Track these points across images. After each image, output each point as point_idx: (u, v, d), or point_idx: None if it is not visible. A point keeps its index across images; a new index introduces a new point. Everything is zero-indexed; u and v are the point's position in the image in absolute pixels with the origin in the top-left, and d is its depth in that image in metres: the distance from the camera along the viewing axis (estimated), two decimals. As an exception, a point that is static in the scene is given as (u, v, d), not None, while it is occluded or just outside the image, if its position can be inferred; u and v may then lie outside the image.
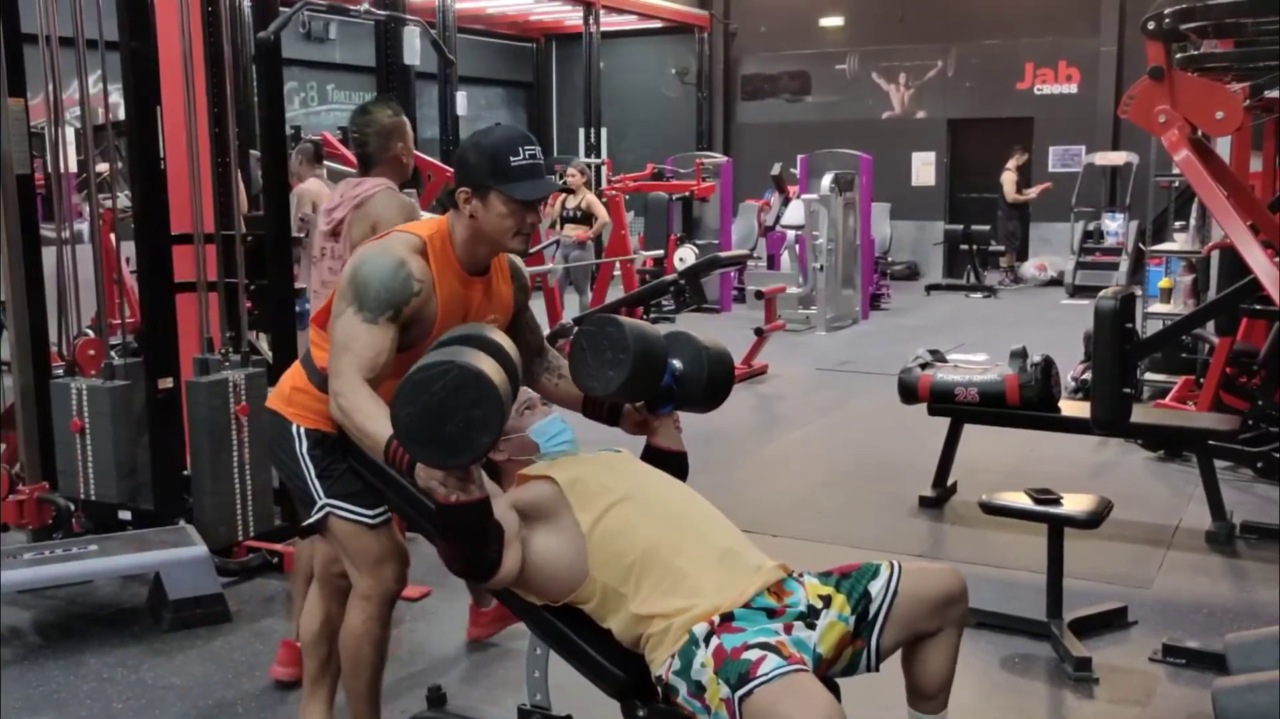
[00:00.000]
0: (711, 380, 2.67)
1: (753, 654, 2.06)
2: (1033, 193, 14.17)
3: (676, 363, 2.64)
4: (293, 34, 12.08)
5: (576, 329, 2.60)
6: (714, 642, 2.13)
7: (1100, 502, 3.66)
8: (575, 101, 15.82)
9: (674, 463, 2.68)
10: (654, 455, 2.68)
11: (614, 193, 11.11)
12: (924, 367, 5.21)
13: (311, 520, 2.65)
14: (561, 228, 9.84)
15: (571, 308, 9.73)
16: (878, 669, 2.29)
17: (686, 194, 12.52)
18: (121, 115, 4.73)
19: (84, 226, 5.49)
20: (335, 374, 2.41)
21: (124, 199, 5.91)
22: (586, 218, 9.84)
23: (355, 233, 3.39)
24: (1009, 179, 14.14)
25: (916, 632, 2.30)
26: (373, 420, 2.32)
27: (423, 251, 2.50)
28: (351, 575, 2.67)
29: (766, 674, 2.02)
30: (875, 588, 2.27)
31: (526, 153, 2.47)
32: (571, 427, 2.58)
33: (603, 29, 14.60)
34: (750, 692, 2.01)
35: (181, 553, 3.92)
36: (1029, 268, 14.49)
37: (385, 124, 3.53)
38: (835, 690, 2.27)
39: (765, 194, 12.78)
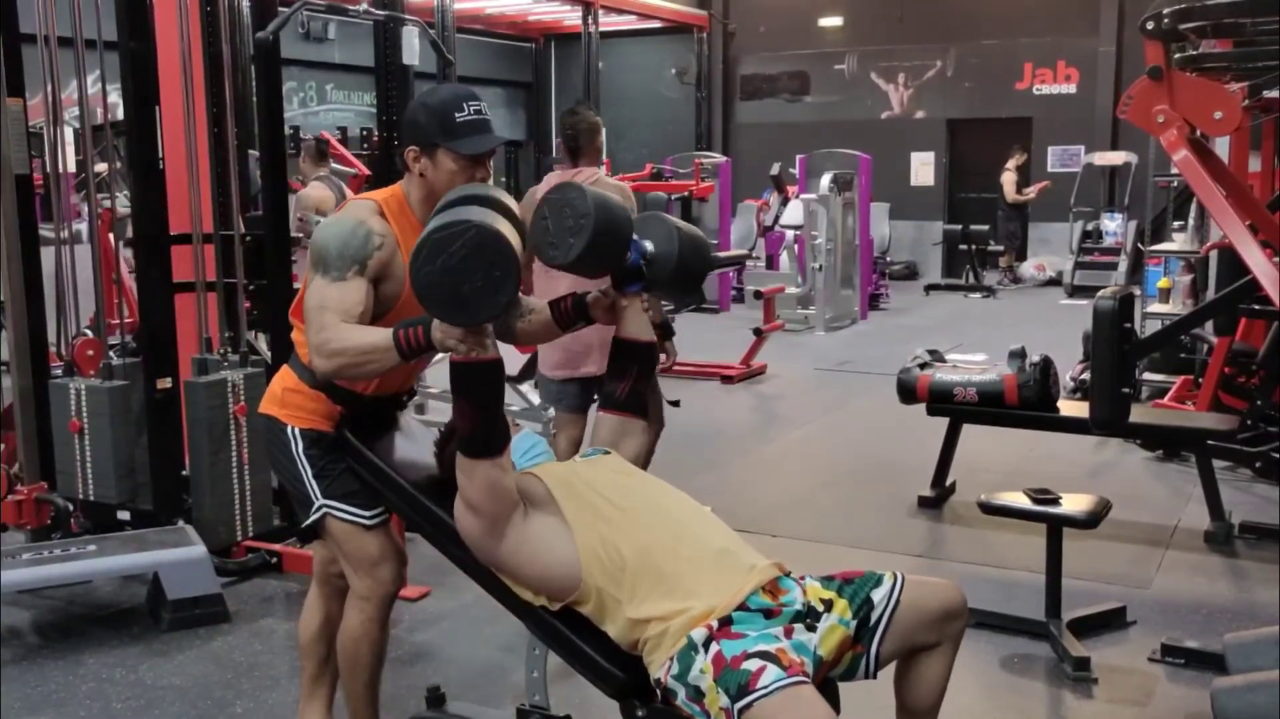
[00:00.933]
0: (683, 261, 2.60)
1: (753, 664, 2.05)
2: (1031, 192, 14.18)
3: (648, 244, 2.60)
4: (291, 34, 12.07)
5: (540, 198, 2.57)
6: (713, 648, 2.12)
7: (1099, 501, 3.66)
8: (574, 101, 15.80)
9: (642, 352, 2.66)
10: (622, 347, 2.66)
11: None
12: (923, 367, 5.21)
13: (309, 522, 2.65)
14: None
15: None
16: (875, 677, 2.29)
17: (685, 194, 12.50)
18: (120, 115, 4.74)
19: (83, 227, 5.49)
20: (318, 330, 2.42)
21: (122, 199, 5.91)
22: None
23: None
24: (1009, 179, 14.14)
25: (915, 643, 2.29)
26: (369, 334, 2.36)
27: (379, 213, 2.53)
28: (349, 576, 2.67)
29: (766, 687, 2.01)
30: (878, 596, 2.27)
31: (471, 108, 2.50)
32: (544, 440, 2.58)
33: (602, 29, 14.59)
34: (750, 704, 2.01)
35: (180, 553, 3.92)
36: (1028, 268, 14.49)
37: (592, 123, 4.27)
38: (835, 692, 2.26)
39: (764, 194, 12.77)
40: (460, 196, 2.35)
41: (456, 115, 2.49)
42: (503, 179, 16.80)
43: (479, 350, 2.23)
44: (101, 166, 5.86)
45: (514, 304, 2.26)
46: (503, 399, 2.35)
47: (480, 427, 2.28)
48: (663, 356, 4.22)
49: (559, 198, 2.49)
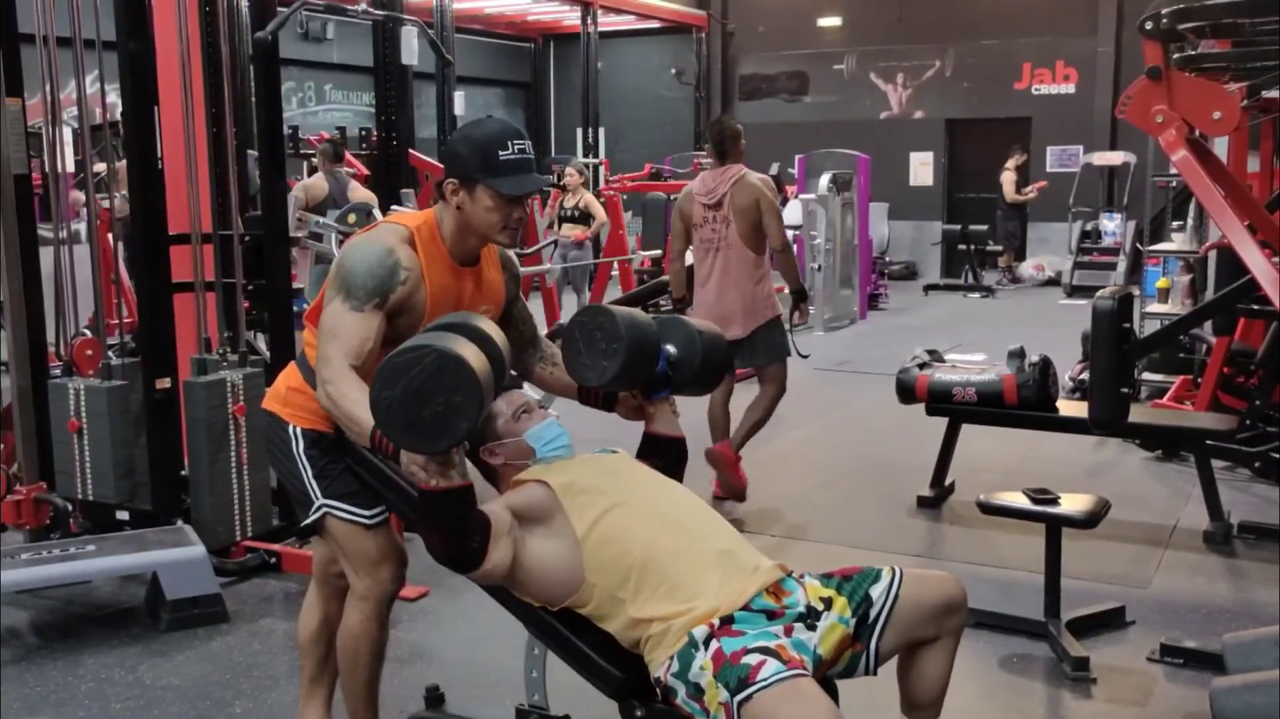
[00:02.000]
0: (705, 363, 2.65)
1: (752, 659, 2.05)
2: (1031, 191, 14.17)
3: (670, 348, 2.63)
4: (290, 34, 12.08)
5: (569, 321, 2.61)
6: (713, 645, 2.12)
7: (1098, 501, 3.66)
8: (573, 101, 15.82)
9: (672, 449, 2.67)
10: (652, 442, 2.67)
11: (612, 193, 11.11)
12: (922, 366, 5.21)
13: (309, 521, 2.65)
14: (559, 228, 9.84)
15: (570, 308, 9.72)
16: (875, 673, 2.29)
17: (684, 194, 12.50)
18: (119, 115, 4.74)
19: (81, 227, 5.49)
20: (323, 361, 2.42)
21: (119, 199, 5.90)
22: (585, 217, 9.84)
23: (739, 200, 5.08)
24: (1009, 179, 14.14)
25: (915, 638, 2.30)
26: (359, 407, 2.32)
27: (410, 241, 2.51)
28: (349, 576, 2.66)
29: (766, 679, 2.01)
30: (876, 592, 2.27)
31: (516, 147, 2.47)
32: (568, 430, 2.58)
33: (601, 29, 14.61)
34: (750, 697, 2.01)
35: (179, 553, 3.92)
36: (1027, 268, 14.50)
37: (736, 130, 5.21)
38: (834, 692, 2.27)
39: (763, 194, 12.75)
40: (436, 325, 2.34)
41: (500, 153, 2.45)
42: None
43: (441, 479, 2.17)
44: (100, 166, 5.85)
45: (474, 430, 2.22)
46: (471, 525, 2.25)
47: (452, 551, 2.26)
48: (796, 315, 5.43)
49: (588, 322, 2.52)
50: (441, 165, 2.64)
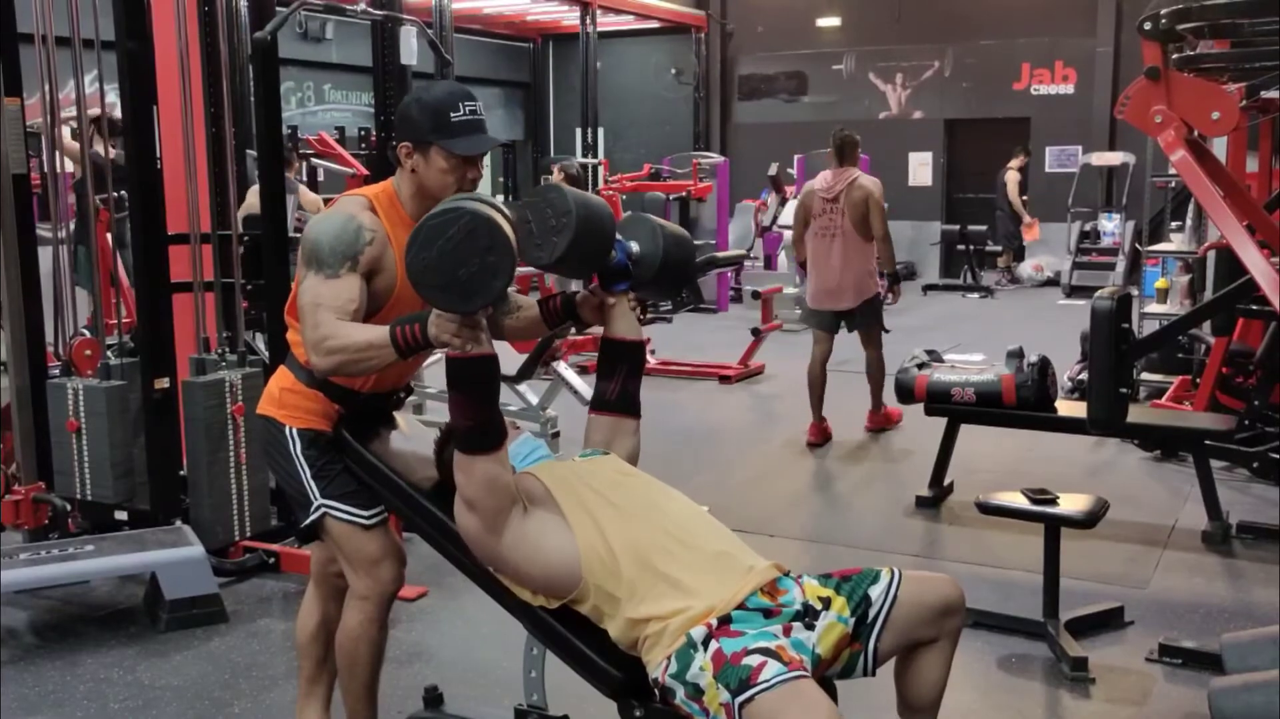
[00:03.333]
0: (668, 259, 2.62)
1: (753, 660, 2.05)
2: (1030, 223, 14.07)
3: (633, 244, 2.61)
4: (289, 34, 12.06)
5: (519, 201, 2.59)
6: (713, 645, 2.12)
7: (1097, 501, 3.66)
8: (572, 101, 15.81)
9: (632, 352, 2.66)
10: (611, 348, 2.66)
11: (611, 193, 11.11)
12: (921, 366, 5.21)
13: (308, 522, 2.65)
14: None
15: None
16: (874, 674, 2.29)
17: (683, 194, 12.51)
18: (118, 115, 4.73)
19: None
20: (314, 327, 2.41)
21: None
22: None
23: (853, 196, 6.23)
24: (1013, 179, 14.14)
25: (914, 639, 2.30)
26: (366, 331, 2.36)
27: (370, 209, 2.53)
28: (348, 576, 2.66)
29: (768, 681, 2.01)
30: (875, 592, 2.27)
31: (467, 108, 2.49)
32: (543, 443, 2.58)
33: (600, 29, 14.59)
34: (751, 698, 2.01)
35: (178, 553, 3.92)
36: (1026, 268, 14.49)
37: (855, 139, 6.51)
38: (832, 692, 2.27)
39: (762, 194, 12.77)
40: (454, 198, 2.35)
41: (452, 115, 2.48)
42: (500, 178, 16.83)
43: (474, 344, 2.23)
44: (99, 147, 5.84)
45: (505, 298, 2.26)
46: (498, 394, 2.35)
47: (477, 421, 2.28)
48: (890, 295, 6.64)
49: (539, 199, 2.49)
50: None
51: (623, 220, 2.70)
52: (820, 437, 6.39)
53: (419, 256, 2.17)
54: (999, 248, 14.37)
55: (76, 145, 5.60)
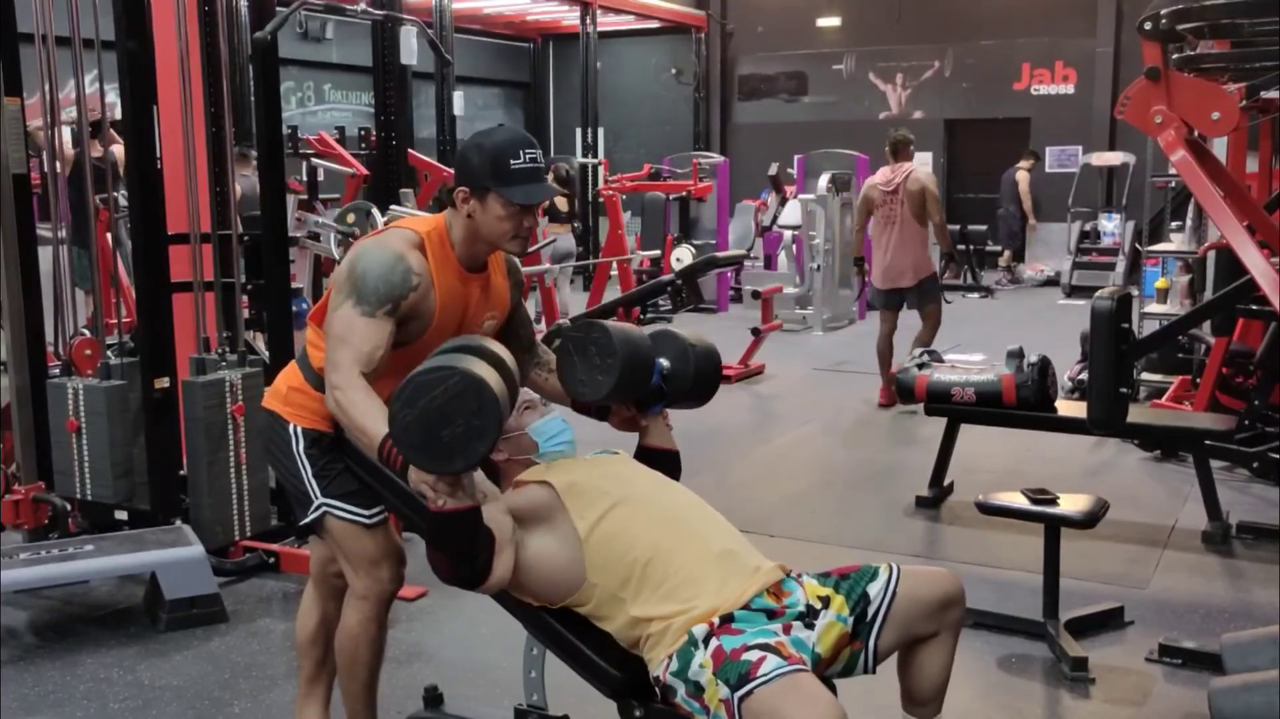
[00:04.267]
0: (699, 377, 2.67)
1: (753, 655, 2.06)
2: (1032, 225, 14.03)
3: (664, 361, 2.64)
4: (289, 34, 12.07)
5: (560, 337, 2.62)
6: (713, 643, 2.13)
7: (1096, 502, 3.66)
8: (572, 101, 15.82)
9: (667, 462, 2.67)
10: (646, 455, 2.68)
11: (611, 193, 11.12)
12: (921, 366, 5.21)
13: (308, 520, 2.65)
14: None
15: (571, 308, 9.75)
16: (874, 671, 2.30)
17: (683, 194, 12.51)
18: (118, 115, 4.73)
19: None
20: (333, 367, 2.41)
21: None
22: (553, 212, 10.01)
23: (910, 189, 7.20)
24: (1024, 178, 14.13)
25: (914, 634, 2.30)
26: (369, 417, 2.32)
27: (420, 247, 2.50)
28: (348, 575, 2.66)
29: (767, 674, 2.02)
30: (874, 589, 2.27)
31: (527, 156, 2.47)
32: (571, 427, 2.58)
33: (600, 29, 14.59)
34: (750, 692, 2.01)
35: (178, 553, 3.92)
36: (1025, 269, 14.48)
37: (908, 138, 7.44)
38: (833, 692, 2.26)
39: (762, 194, 12.78)
40: (451, 346, 2.34)
41: (512, 162, 2.45)
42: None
43: (450, 500, 2.17)
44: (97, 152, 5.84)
45: (490, 452, 2.24)
46: (479, 545, 2.25)
47: (459, 572, 2.26)
48: (947, 273, 8.07)
49: (582, 337, 2.53)
50: (442, 167, 2.65)
51: (653, 337, 2.71)
52: (889, 399, 7.17)
53: (402, 413, 2.13)
54: (999, 247, 14.36)
55: (69, 150, 5.61)
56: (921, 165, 7.94)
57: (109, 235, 5.96)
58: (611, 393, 2.52)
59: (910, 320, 7.43)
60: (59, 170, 4.53)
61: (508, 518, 2.32)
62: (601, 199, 11.58)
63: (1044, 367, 4.94)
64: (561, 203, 10.22)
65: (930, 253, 7.45)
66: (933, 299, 7.33)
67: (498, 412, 2.13)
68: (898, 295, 7.34)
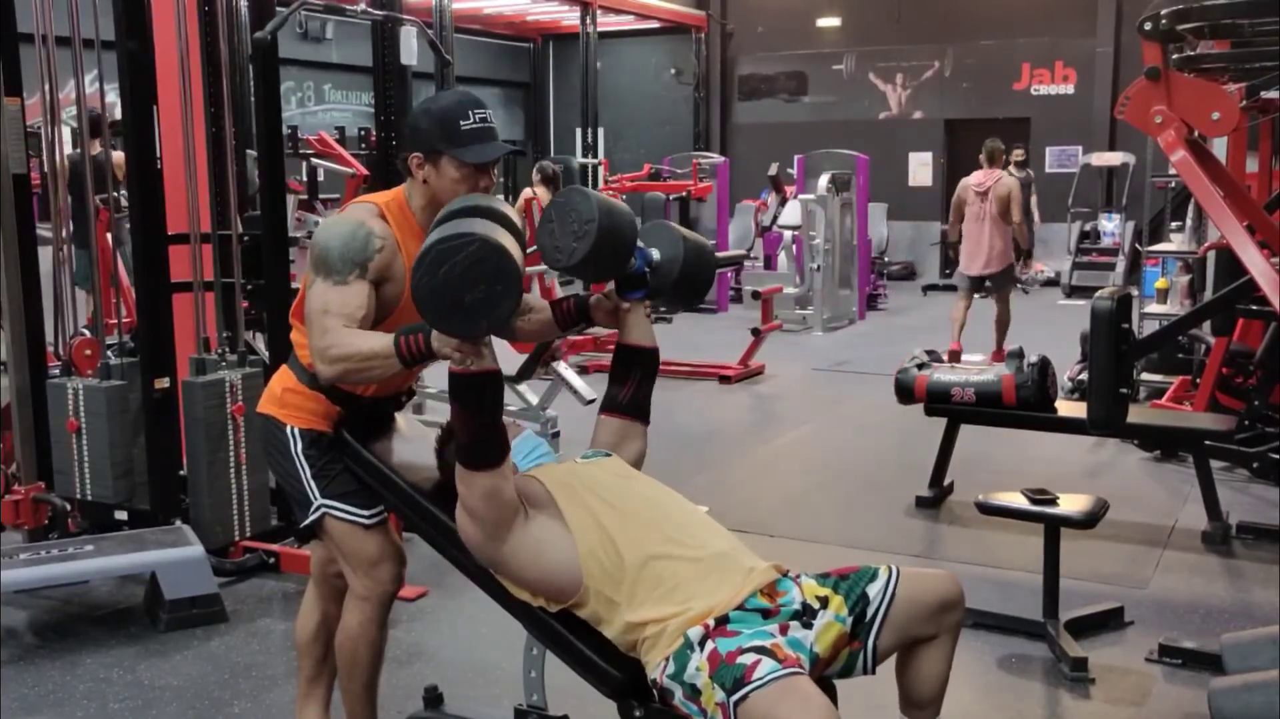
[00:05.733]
0: (687, 270, 2.61)
1: (748, 658, 2.05)
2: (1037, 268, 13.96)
3: (654, 251, 2.60)
4: (289, 34, 12.06)
5: (550, 200, 2.59)
6: (709, 645, 2.12)
7: (1096, 502, 3.66)
8: (572, 102, 15.81)
9: (645, 359, 2.66)
10: (624, 353, 2.66)
11: (611, 193, 11.11)
12: (921, 367, 5.21)
13: (307, 522, 2.65)
14: None
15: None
16: (874, 672, 2.29)
17: (683, 194, 12.52)
18: (118, 115, 4.73)
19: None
20: (320, 334, 2.41)
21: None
22: None
23: (998, 192, 8.26)
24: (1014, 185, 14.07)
25: (913, 636, 2.29)
26: (371, 340, 2.35)
27: (381, 216, 2.52)
28: (347, 576, 2.66)
29: (762, 678, 2.01)
30: (873, 590, 2.27)
31: (477, 116, 2.48)
32: (545, 441, 2.58)
33: (600, 29, 14.58)
34: (745, 696, 2.01)
35: (178, 553, 3.92)
36: (1026, 270, 14.41)
37: (1000, 149, 8.52)
38: (832, 692, 2.27)
39: (762, 194, 12.77)
40: (463, 207, 2.34)
41: (461, 123, 2.46)
42: (500, 179, 16.83)
43: (476, 361, 2.21)
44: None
45: (513, 317, 2.24)
46: (501, 409, 2.33)
47: (479, 437, 2.26)
48: (1021, 266, 8.87)
49: (566, 202, 2.49)
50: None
51: (646, 227, 2.69)
52: (959, 350, 8.41)
53: (423, 280, 2.15)
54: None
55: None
56: (1009, 174, 9.14)
57: (109, 235, 5.97)
58: (584, 261, 2.45)
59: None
60: (59, 169, 4.52)
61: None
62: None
63: (1044, 367, 4.95)
64: (546, 199, 10.22)
65: (1010, 246, 8.48)
66: (1008, 284, 8.65)
67: (518, 276, 2.15)
68: (979, 280, 8.58)
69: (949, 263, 14.96)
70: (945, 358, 7.62)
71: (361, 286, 2.44)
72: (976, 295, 8.72)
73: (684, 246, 2.61)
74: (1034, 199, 14.11)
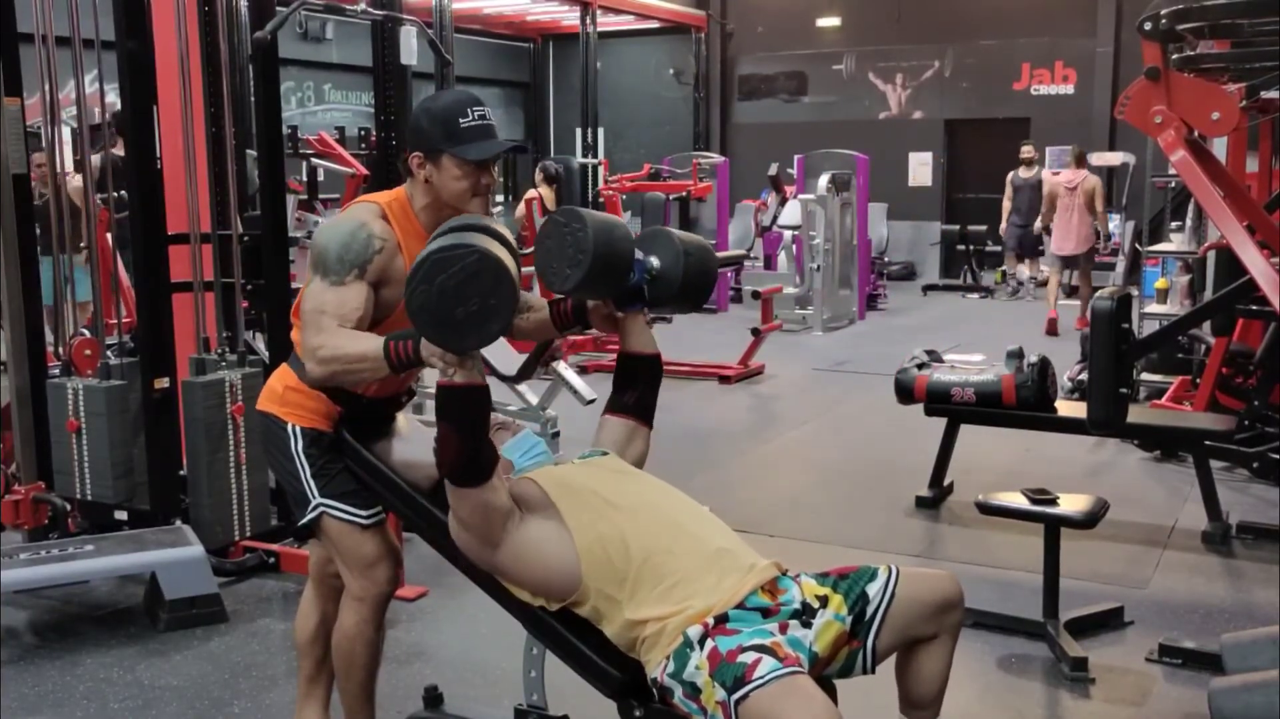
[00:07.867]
0: (688, 280, 2.62)
1: (748, 657, 2.05)
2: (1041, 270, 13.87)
3: (654, 260, 2.60)
4: (289, 34, 12.06)
5: (547, 218, 2.59)
6: (709, 644, 2.12)
7: (1096, 502, 3.66)
8: (572, 102, 15.80)
9: (647, 366, 2.66)
10: (625, 362, 2.66)
11: (611, 193, 11.12)
12: (921, 367, 5.21)
13: (305, 520, 2.65)
14: None
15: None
16: (873, 671, 2.29)
17: (683, 194, 12.51)
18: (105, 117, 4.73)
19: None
20: (314, 333, 2.41)
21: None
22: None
23: (1085, 188, 10.54)
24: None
25: (913, 636, 2.29)
26: (361, 342, 2.35)
27: (383, 216, 2.53)
28: (344, 576, 2.66)
29: (762, 677, 2.01)
30: (873, 590, 2.27)
31: (476, 114, 2.49)
32: (543, 440, 2.58)
33: (600, 29, 14.58)
34: (746, 695, 2.01)
35: (178, 553, 3.92)
36: (1025, 272, 14.34)
37: (1084, 153, 11.03)
38: (832, 691, 2.27)
39: (762, 194, 12.77)
40: (463, 224, 2.34)
41: (461, 121, 2.47)
42: (501, 179, 16.83)
43: (462, 374, 2.20)
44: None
45: (505, 333, 2.24)
46: (486, 427, 2.30)
47: (463, 455, 2.24)
48: (1094, 253, 10.86)
49: (564, 224, 2.49)
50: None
51: (645, 234, 2.69)
52: (1053, 329, 10.17)
53: (418, 288, 2.14)
54: (999, 248, 14.17)
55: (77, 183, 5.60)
56: (1092, 171, 11.07)
57: (109, 235, 5.96)
58: (576, 288, 2.49)
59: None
60: (60, 172, 4.52)
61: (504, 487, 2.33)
62: (602, 199, 11.57)
63: (1044, 367, 4.95)
64: (549, 198, 10.21)
65: (1092, 232, 10.53)
66: (1090, 263, 10.72)
67: (513, 291, 2.15)
68: (1069, 259, 10.69)
69: (949, 263, 15.06)
70: (1046, 329, 10.01)
71: (359, 288, 2.44)
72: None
73: (684, 260, 2.61)
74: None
